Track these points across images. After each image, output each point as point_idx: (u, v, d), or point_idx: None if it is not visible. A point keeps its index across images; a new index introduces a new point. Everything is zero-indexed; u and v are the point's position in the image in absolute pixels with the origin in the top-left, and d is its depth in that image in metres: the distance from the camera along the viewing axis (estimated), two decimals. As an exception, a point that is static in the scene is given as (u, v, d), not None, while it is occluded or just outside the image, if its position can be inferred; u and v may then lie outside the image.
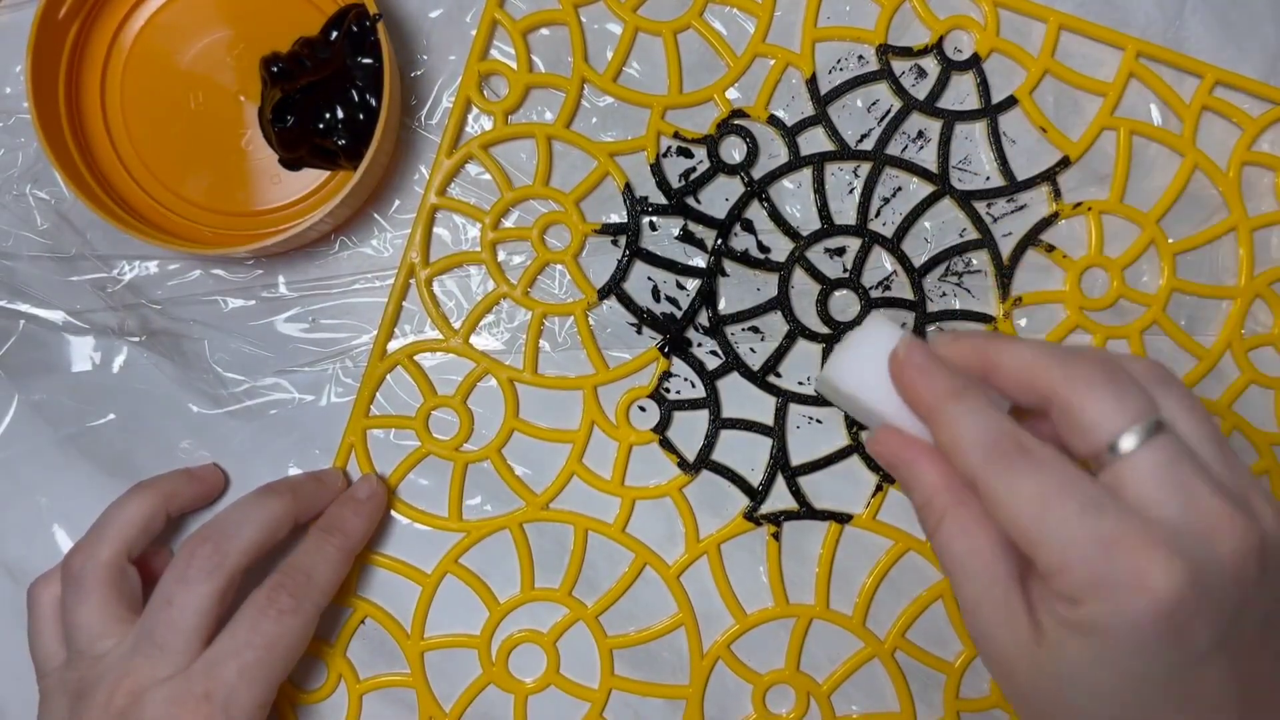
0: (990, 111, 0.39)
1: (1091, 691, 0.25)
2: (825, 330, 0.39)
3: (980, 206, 0.40)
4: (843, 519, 0.39)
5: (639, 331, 0.39)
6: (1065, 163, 0.39)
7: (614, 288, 0.39)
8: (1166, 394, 0.26)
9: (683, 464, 0.39)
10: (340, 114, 0.37)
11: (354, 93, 0.37)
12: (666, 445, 0.39)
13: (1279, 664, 0.26)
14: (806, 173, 0.39)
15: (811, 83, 0.39)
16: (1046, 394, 0.26)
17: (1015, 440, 0.26)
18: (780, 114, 0.39)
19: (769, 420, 0.39)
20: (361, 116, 0.37)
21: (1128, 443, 0.25)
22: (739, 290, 0.39)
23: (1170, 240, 0.40)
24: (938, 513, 0.28)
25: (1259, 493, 0.26)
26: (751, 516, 0.39)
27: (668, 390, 0.39)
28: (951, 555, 0.27)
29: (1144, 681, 0.25)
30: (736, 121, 0.39)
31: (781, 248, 0.39)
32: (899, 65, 0.40)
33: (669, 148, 0.39)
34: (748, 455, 0.39)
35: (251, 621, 0.34)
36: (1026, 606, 0.26)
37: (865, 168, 0.39)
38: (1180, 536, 0.24)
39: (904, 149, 0.40)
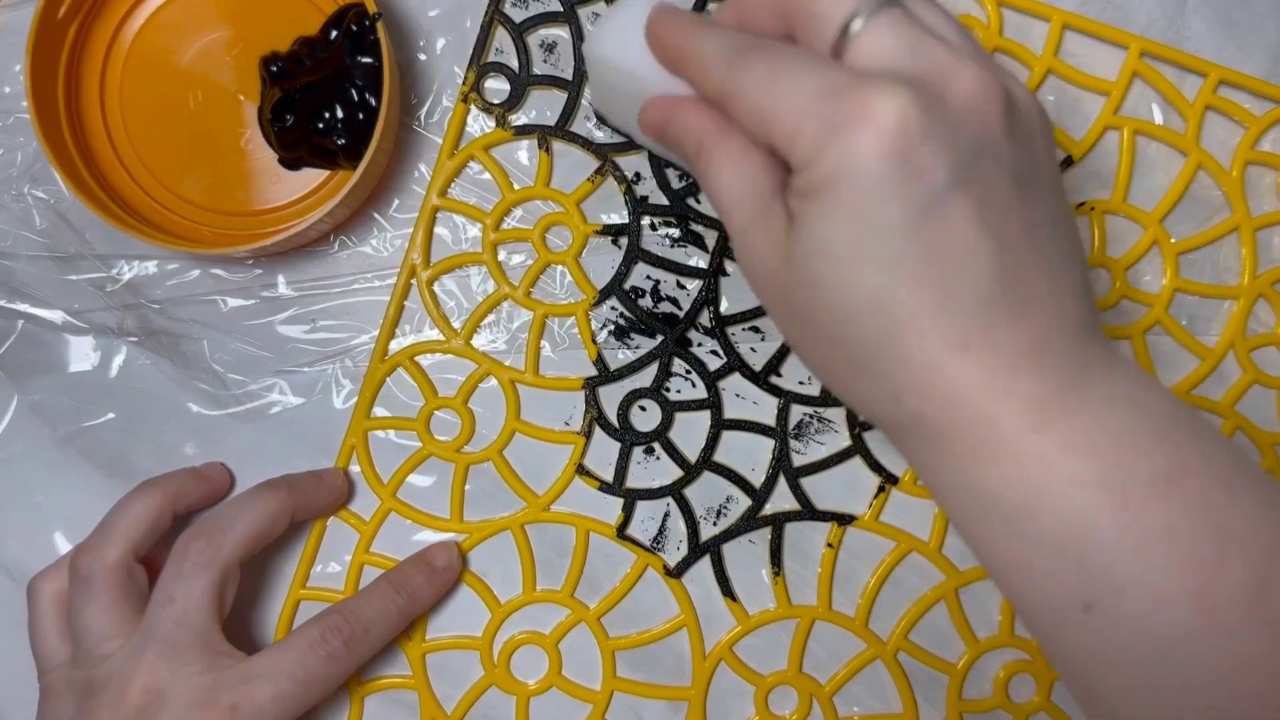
0: (993, 111, 0.39)
1: (837, 256, 0.25)
2: (827, 330, 0.39)
3: (983, 206, 0.39)
4: (845, 520, 0.39)
5: (640, 332, 0.39)
6: (1068, 162, 0.39)
7: (615, 288, 0.39)
8: None
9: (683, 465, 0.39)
10: (340, 113, 0.37)
11: (354, 92, 0.37)
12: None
13: (1038, 234, 0.26)
14: (808, 172, 0.39)
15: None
16: (782, 8, 0.27)
17: (752, 41, 0.27)
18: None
19: (770, 420, 0.39)
20: (361, 116, 0.37)
21: (858, 23, 0.25)
22: (740, 290, 0.39)
23: (1173, 240, 0.39)
24: (708, 151, 0.28)
25: (1001, 69, 0.26)
26: (754, 518, 0.39)
27: (669, 390, 0.39)
28: (721, 185, 0.28)
29: (886, 229, 0.24)
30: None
31: (783, 247, 0.39)
32: (901, 64, 0.39)
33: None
34: (749, 455, 0.39)
35: (299, 653, 0.34)
36: (785, 211, 0.26)
37: (867, 167, 0.39)
38: (911, 80, 0.24)
39: (906, 148, 0.39)
